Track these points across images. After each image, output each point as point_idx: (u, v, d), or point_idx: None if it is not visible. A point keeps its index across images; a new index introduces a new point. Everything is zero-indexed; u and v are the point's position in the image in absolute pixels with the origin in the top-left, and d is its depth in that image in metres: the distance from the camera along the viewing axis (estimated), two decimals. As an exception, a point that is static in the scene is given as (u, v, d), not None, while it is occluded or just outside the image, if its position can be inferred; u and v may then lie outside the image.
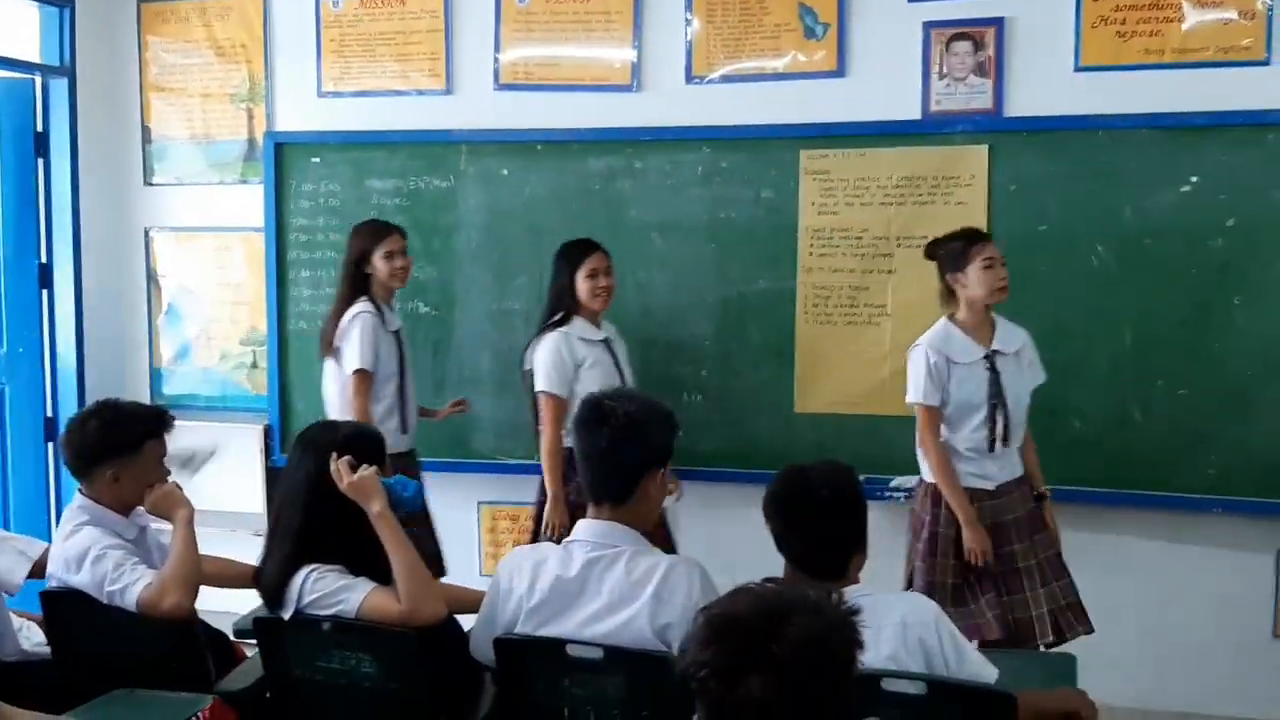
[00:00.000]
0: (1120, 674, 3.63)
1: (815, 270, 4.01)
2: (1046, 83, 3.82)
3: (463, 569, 3.97)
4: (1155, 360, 3.65)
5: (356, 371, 3.63)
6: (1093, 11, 3.78)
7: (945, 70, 3.93)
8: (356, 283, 3.72)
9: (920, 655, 2.06)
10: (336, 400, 3.73)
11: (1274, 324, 3.60)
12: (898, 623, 2.08)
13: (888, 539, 3.42)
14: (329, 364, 3.78)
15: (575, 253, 3.68)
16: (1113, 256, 3.74)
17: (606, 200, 4.09)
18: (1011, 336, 3.38)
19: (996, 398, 3.30)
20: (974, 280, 3.31)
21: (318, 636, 2.38)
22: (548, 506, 3.60)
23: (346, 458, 2.40)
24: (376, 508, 2.38)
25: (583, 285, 3.64)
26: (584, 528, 2.25)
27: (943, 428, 3.35)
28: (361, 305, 3.67)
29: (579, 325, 3.65)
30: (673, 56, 4.14)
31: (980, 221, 3.80)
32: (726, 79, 4.10)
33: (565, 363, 3.60)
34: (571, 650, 2.18)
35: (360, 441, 2.49)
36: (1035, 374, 3.42)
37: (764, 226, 4.02)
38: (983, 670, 2.11)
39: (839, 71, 4.01)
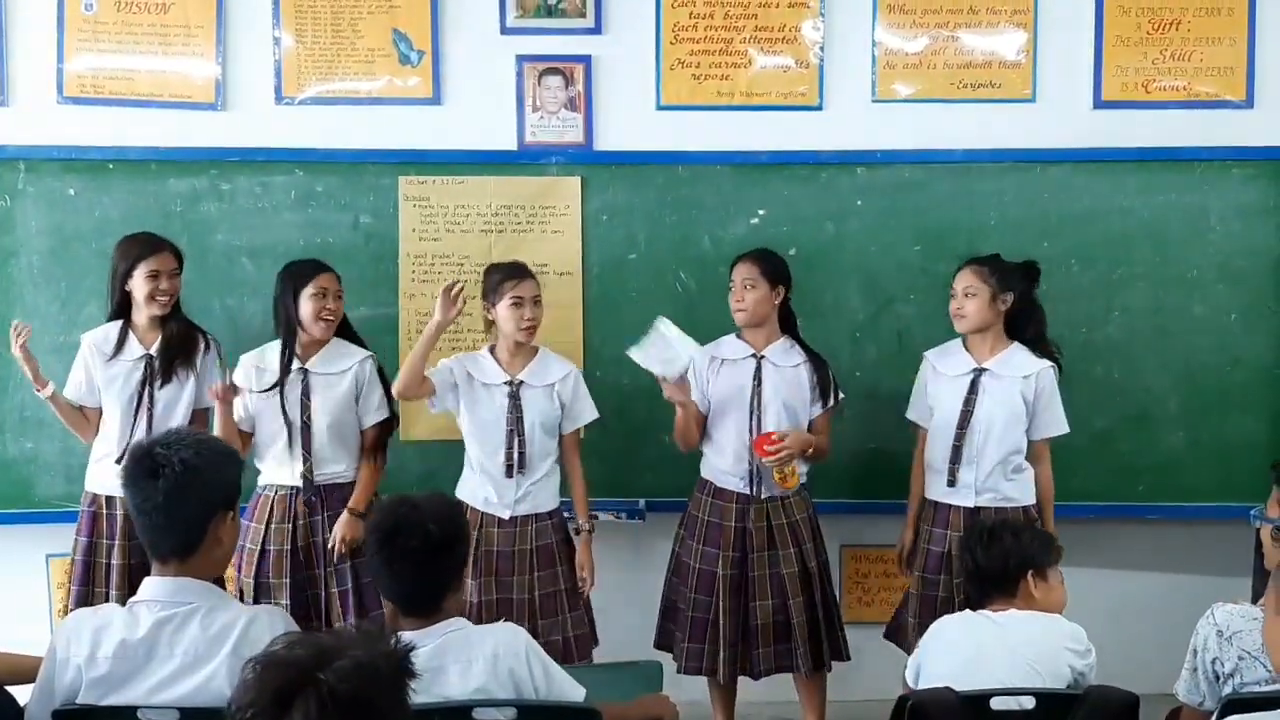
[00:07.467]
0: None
1: (418, 297, 3.99)
2: (631, 119, 4.05)
3: (33, 631, 3.56)
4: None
5: None
6: (671, 54, 4.05)
7: (539, 103, 4.05)
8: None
9: (510, 685, 2.10)
10: None
11: (830, 337, 3.98)
12: (489, 655, 2.11)
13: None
14: None
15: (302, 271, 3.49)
16: (694, 281, 4.02)
17: (190, 223, 3.85)
18: (548, 371, 3.50)
19: (514, 425, 3.42)
20: (502, 316, 3.46)
21: None
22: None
23: None
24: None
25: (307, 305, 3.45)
26: (151, 586, 2.09)
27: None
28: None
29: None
30: (260, 75, 3.98)
31: (575, 250, 3.96)
32: (319, 100, 4.00)
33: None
34: (143, 715, 2.02)
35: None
36: (581, 411, 3.55)
37: (363, 253, 3.95)
38: (571, 691, 2.18)
39: (435, 99, 4.02)
